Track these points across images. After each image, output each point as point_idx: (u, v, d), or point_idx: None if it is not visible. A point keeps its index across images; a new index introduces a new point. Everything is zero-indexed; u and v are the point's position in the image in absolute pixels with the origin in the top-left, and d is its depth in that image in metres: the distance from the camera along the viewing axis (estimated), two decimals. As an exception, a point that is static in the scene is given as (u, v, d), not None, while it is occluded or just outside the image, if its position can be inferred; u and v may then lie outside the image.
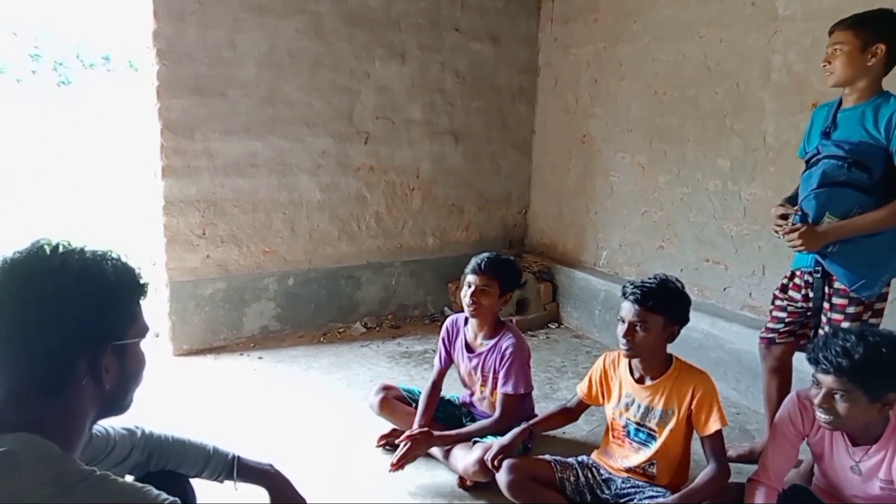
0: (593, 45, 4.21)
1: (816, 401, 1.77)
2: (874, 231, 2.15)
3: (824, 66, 2.25)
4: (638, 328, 2.03)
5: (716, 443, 2.08)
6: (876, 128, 2.15)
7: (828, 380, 1.73)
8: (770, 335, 2.55)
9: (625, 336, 2.05)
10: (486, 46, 4.45)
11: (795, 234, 2.21)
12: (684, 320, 2.10)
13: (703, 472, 2.09)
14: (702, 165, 3.58)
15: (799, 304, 2.44)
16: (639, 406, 2.16)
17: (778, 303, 2.52)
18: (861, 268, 2.19)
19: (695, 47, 3.55)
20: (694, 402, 2.07)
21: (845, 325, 2.21)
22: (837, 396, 1.72)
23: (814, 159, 2.27)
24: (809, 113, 2.98)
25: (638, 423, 2.17)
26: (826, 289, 2.30)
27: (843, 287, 2.24)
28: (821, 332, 2.31)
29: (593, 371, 2.34)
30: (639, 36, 3.89)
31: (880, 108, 2.16)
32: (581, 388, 2.36)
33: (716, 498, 2.04)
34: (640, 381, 2.18)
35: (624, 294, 2.08)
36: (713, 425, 2.05)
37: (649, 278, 2.10)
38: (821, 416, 1.79)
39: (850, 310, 2.24)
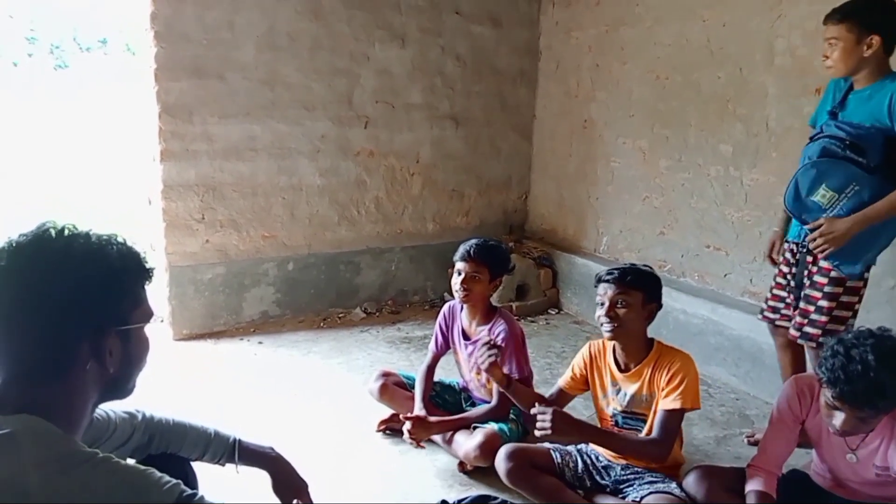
0: (595, 29, 4.17)
1: (839, 424, 1.73)
2: (882, 219, 2.14)
3: (824, 59, 2.27)
4: (619, 304, 2.04)
5: (667, 417, 2.02)
6: (880, 110, 2.16)
7: (855, 411, 1.69)
8: (772, 315, 2.57)
9: (607, 315, 2.05)
10: (487, 29, 4.40)
11: (817, 235, 2.21)
12: (660, 300, 2.13)
13: (647, 436, 2.07)
14: (703, 151, 3.56)
15: (787, 279, 2.48)
16: (624, 394, 2.16)
17: (779, 280, 2.53)
18: (846, 246, 2.19)
19: (697, 31, 3.52)
20: (666, 378, 2.05)
21: (823, 302, 2.28)
22: (860, 419, 1.71)
23: (817, 137, 2.29)
24: (812, 97, 2.99)
25: (624, 412, 2.16)
26: (810, 266, 2.34)
27: (826, 265, 2.27)
28: (798, 314, 2.37)
29: (575, 362, 2.31)
30: (641, 19, 3.85)
31: (883, 89, 2.17)
32: (564, 382, 2.33)
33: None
34: (625, 369, 2.17)
35: (599, 279, 2.11)
36: (673, 402, 2.01)
37: (620, 264, 2.17)
38: (837, 431, 1.78)
39: (828, 289, 2.28)
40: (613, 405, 2.19)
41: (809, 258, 2.36)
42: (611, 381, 2.21)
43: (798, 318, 2.39)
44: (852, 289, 2.28)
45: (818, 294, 2.31)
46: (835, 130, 2.22)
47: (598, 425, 2.28)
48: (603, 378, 2.24)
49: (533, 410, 2.04)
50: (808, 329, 2.35)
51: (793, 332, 2.42)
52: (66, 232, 1.06)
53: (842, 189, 2.18)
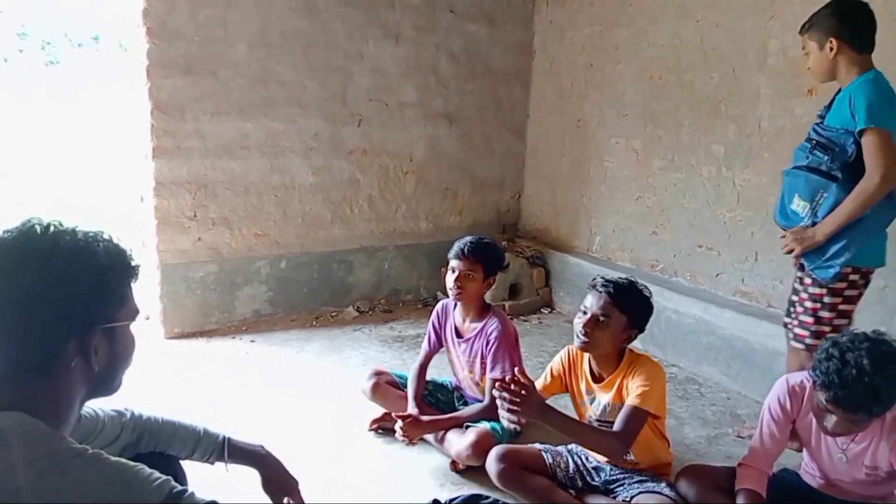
0: (589, 28, 4.18)
1: (830, 427, 1.73)
2: (851, 219, 2.20)
3: (808, 68, 2.41)
4: (600, 320, 2.00)
5: (629, 413, 1.97)
6: (844, 108, 2.22)
7: (848, 415, 1.69)
8: (786, 319, 2.58)
9: (585, 327, 2.00)
10: (482, 28, 4.40)
11: (789, 239, 2.35)
12: (643, 328, 2.08)
13: (607, 430, 2.02)
14: (696, 151, 3.57)
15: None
16: (598, 403, 2.14)
17: (794, 285, 2.57)
18: (818, 251, 2.29)
19: (691, 31, 3.53)
20: (634, 382, 2.02)
21: (807, 304, 2.36)
22: (853, 422, 1.72)
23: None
24: (805, 98, 3.01)
25: (599, 420, 2.14)
26: (800, 272, 2.43)
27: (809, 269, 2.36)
28: (798, 311, 2.40)
29: (553, 365, 2.29)
30: (635, 19, 3.86)
31: (852, 90, 2.23)
32: (539, 384, 2.26)
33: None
34: (598, 379, 2.15)
35: (593, 286, 2.05)
36: (634, 399, 1.98)
37: (622, 277, 2.09)
38: (826, 431, 1.78)
39: (811, 290, 2.35)
40: (589, 412, 2.18)
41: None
42: (586, 389, 2.19)
43: (792, 320, 2.45)
44: (834, 290, 2.31)
45: (805, 296, 2.38)
46: (812, 133, 2.33)
47: None
48: (579, 385, 2.22)
49: (494, 392, 1.91)
50: (797, 330, 2.42)
51: (788, 331, 2.50)
52: (52, 229, 1.04)
53: (812, 198, 2.28)
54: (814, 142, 2.27)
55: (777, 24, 3.11)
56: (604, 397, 2.13)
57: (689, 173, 3.63)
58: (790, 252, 2.38)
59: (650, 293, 2.08)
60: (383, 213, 4.31)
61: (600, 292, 2.02)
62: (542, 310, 4.40)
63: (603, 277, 2.08)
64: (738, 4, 3.28)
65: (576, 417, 2.18)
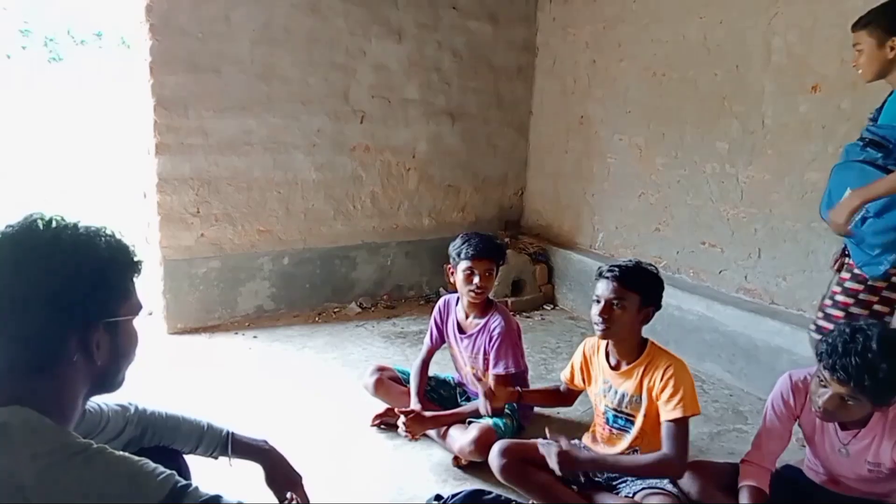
0: (592, 26, 4.17)
1: (822, 401, 1.74)
2: (888, 192, 2.13)
3: (854, 66, 2.33)
4: (615, 306, 2.01)
5: (674, 430, 1.97)
6: None
7: (841, 388, 1.69)
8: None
9: (601, 314, 2.02)
10: (484, 25, 4.40)
11: (833, 223, 2.25)
12: (658, 303, 2.09)
13: (658, 452, 2.01)
14: (700, 148, 3.56)
15: None
16: (615, 392, 2.15)
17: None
18: (870, 246, 2.21)
19: (694, 28, 3.52)
20: (660, 386, 2.03)
21: (839, 297, 2.29)
22: (845, 400, 1.71)
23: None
24: (809, 95, 3.00)
25: (615, 410, 2.16)
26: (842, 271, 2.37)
27: (851, 262, 2.30)
28: (825, 304, 2.35)
29: (575, 358, 2.32)
30: (638, 16, 3.85)
31: None
32: (564, 375, 2.36)
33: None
34: (616, 367, 2.16)
35: (600, 274, 2.07)
36: (674, 412, 1.97)
37: (625, 260, 2.10)
38: (818, 410, 1.78)
39: (848, 285, 2.29)
40: (605, 402, 2.19)
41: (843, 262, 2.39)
42: (602, 377, 2.21)
43: (817, 314, 2.39)
44: (874, 288, 2.27)
45: (838, 289, 2.32)
46: (864, 133, 2.27)
47: (594, 420, 2.28)
48: (596, 374, 2.24)
49: (541, 449, 2.04)
50: (821, 322, 2.35)
51: (809, 326, 2.43)
52: (54, 223, 1.04)
53: None
54: (867, 139, 2.22)
55: (780, 21, 3.10)
56: (621, 386, 2.13)
57: (692, 170, 3.62)
58: (843, 232, 2.25)
59: (657, 269, 2.10)
60: (386, 209, 4.31)
61: (608, 278, 2.03)
62: (544, 306, 4.40)
63: (608, 264, 2.09)
64: (742, 2, 3.27)
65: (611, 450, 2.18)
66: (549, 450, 2.00)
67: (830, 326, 2.30)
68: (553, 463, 1.98)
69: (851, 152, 2.28)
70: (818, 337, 2.35)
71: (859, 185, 2.19)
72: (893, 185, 2.11)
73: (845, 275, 2.32)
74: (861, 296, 2.28)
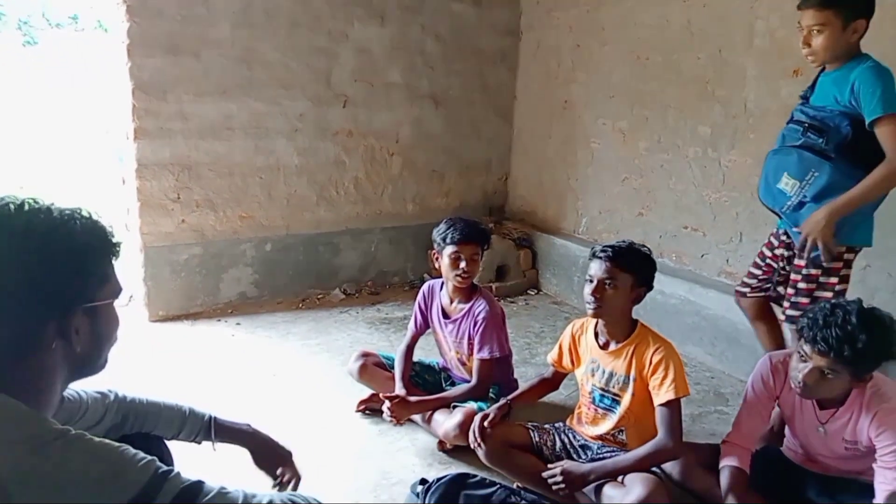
0: (576, 9, 4.15)
1: (801, 375, 1.77)
2: (866, 202, 2.15)
3: (804, 47, 2.19)
4: (607, 285, 2.03)
5: (667, 413, 2.00)
6: (842, 92, 2.15)
7: (821, 360, 1.72)
8: (743, 289, 2.61)
9: (593, 294, 2.05)
10: (468, 8, 4.36)
11: (809, 239, 2.20)
12: (650, 284, 2.11)
13: (652, 441, 2.03)
14: (682, 132, 3.58)
15: (767, 261, 2.51)
16: (603, 371, 2.17)
17: (757, 259, 2.56)
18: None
19: (678, 11, 3.51)
20: (650, 369, 2.05)
21: (801, 285, 2.28)
22: (825, 373, 1.74)
23: (788, 123, 2.32)
24: (791, 79, 3.01)
25: (602, 389, 2.18)
26: (794, 250, 2.36)
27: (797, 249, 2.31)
28: (789, 294, 2.35)
29: (562, 338, 2.34)
30: (622, -1, 3.84)
31: (851, 72, 2.14)
32: (551, 357, 2.37)
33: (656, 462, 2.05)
34: (604, 346, 2.18)
35: (594, 254, 2.09)
36: (667, 394, 2.00)
37: (619, 241, 2.12)
38: (798, 385, 1.80)
39: (805, 271, 2.29)
40: (592, 381, 2.21)
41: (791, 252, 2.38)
42: (591, 357, 2.22)
43: (785, 303, 2.40)
44: (831, 270, 2.28)
45: (798, 277, 2.32)
46: (799, 115, 2.25)
47: (579, 402, 2.30)
48: (584, 353, 2.25)
49: (545, 474, 2.06)
50: (790, 312, 2.36)
51: (780, 316, 2.45)
52: (27, 207, 1.01)
53: (802, 176, 2.20)
54: (806, 124, 2.20)
55: (763, 5, 3.11)
56: (609, 366, 2.15)
57: (675, 154, 3.64)
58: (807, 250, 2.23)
59: (649, 250, 2.12)
60: (369, 195, 4.28)
61: (601, 258, 2.05)
62: (528, 291, 4.42)
63: (601, 245, 2.10)
64: (725, -16, 3.27)
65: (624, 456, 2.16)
66: (553, 475, 2.03)
67: (800, 315, 2.30)
68: (560, 487, 2.01)
69: (789, 137, 2.25)
70: (792, 326, 2.38)
71: (798, 171, 2.19)
72: (867, 193, 2.11)
73: (800, 262, 2.30)
74: (822, 279, 2.28)
